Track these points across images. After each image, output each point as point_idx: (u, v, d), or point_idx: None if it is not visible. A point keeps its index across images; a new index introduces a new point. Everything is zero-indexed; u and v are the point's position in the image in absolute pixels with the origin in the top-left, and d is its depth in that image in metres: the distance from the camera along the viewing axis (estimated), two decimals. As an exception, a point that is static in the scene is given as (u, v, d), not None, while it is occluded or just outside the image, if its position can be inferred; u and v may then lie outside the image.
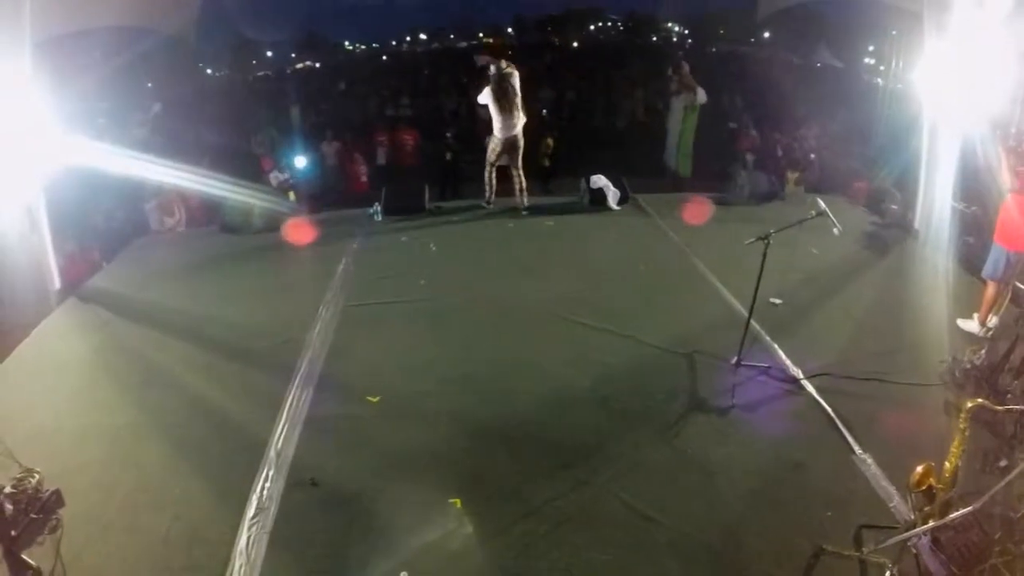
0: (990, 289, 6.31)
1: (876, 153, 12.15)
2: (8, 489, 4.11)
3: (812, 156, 12.77)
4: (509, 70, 9.90)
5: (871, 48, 20.90)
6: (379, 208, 10.55)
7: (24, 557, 3.80)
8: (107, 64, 12.47)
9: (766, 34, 28.99)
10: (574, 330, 6.60)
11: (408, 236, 9.55)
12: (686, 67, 13.28)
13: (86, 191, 9.94)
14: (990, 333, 6.06)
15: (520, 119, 10.07)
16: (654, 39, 46.37)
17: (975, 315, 6.40)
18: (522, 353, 6.21)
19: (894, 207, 9.81)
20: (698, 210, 10.07)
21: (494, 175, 10.55)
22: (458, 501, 4.35)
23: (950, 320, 6.52)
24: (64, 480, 4.42)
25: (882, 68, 15.57)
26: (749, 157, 12.75)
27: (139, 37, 14.03)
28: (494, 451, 4.87)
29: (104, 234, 10.40)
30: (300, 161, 13.01)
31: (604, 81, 22.54)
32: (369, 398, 5.50)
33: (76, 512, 4.32)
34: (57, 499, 4.32)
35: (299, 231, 9.86)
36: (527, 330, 6.67)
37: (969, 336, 6.19)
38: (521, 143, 10.22)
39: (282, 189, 11.84)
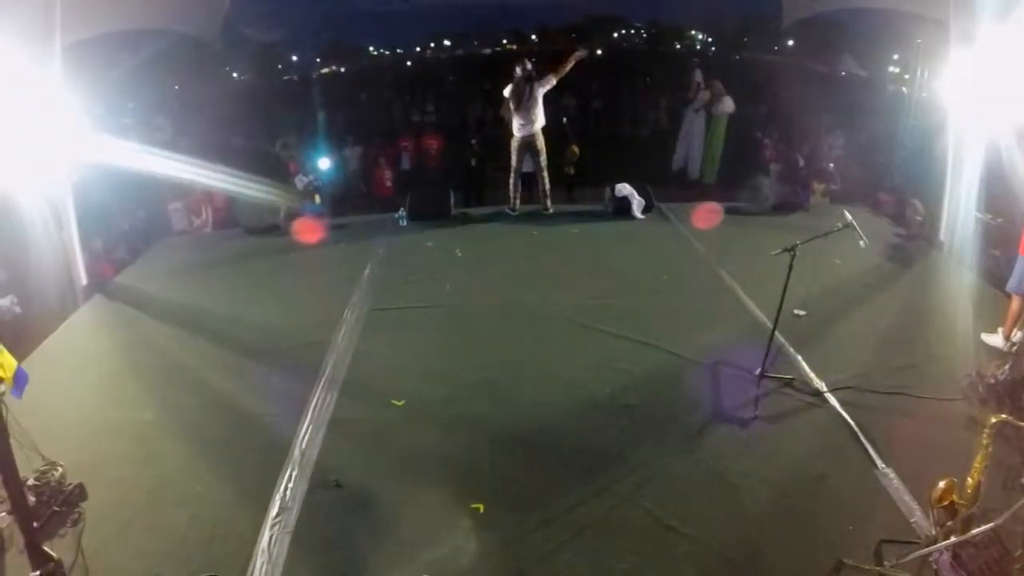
0: (1015, 303, 6.23)
1: (901, 163, 12.08)
2: (31, 481, 4.17)
3: (830, 165, 12.71)
4: (531, 72, 10.09)
5: (895, 57, 20.76)
6: (404, 213, 10.63)
7: (45, 549, 3.83)
8: (133, 66, 12.64)
9: (790, 42, 28.87)
10: (597, 338, 6.61)
11: (433, 241, 9.61)
12: (718, 83, 13.42)
13: (112, 190, 10.10)
14: (1015, 348, 6.00)
15: (538, 121, 10.20)
16: (677, 47, 46.37)
17: (1000, 329, 6.33)
18: (546, 360, 6.24)
19: (918, 218, 9.74)
20: (710, 215, 10.13)
21: (519, 182, 10.65)
22: (481, 506, 4.38)
23: (974, 334, 6.45)
24: (86, 474, 4.49)
25: (907, 77, 15.48)
26: (774, 167, 12.72)
27: (165, 40, 14.22)
28: (516, 457, 4.91)
29: (130, 233, 10.55)
30: (324, 163, 13.14)
31: (629, 89, 22.55)
32: (394, 402, 5.56)
33: (97, 506, 4.40)
34: (80, 493, 4.38)
35: (312, 230, 9.99)
36: (551, 337, 6.69)
37: (993, 351, 6.12)
38: (541, 143, 10.34)
39: (307, 192, 11.95)
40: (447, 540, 4.14)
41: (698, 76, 14.36)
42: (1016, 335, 6.09)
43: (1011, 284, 6.29)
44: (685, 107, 14.74)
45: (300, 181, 12.18)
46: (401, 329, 6.95)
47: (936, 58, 10.12)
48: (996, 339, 6.30)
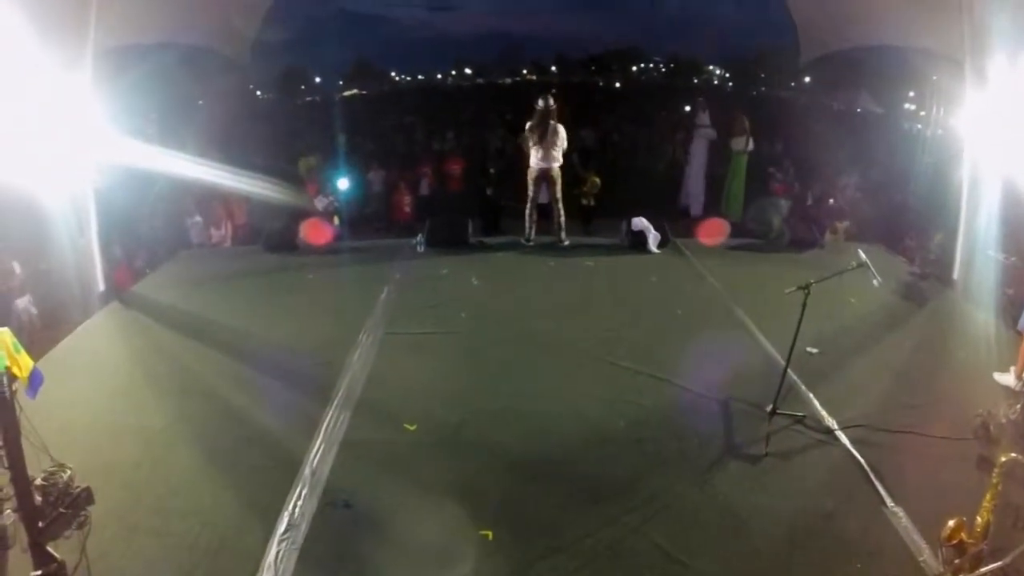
0: None
1: (915, 201, 12.10)
2: (39, 481, 4.18)
3: (831, 201, 12.75)
4: (554, 107, 10.25)
5: (911, 94, 20.86)
6: (422, 239, 10.72)
7: (49, 550, 3.84)
8: (149, 70, 12.83)
9: (807, 79, 29.07)
10: (610, 370, 6.61)
11: (450, 268, 9.67)
12: (744, 119, 13.52)
13: (135, 199, 10.27)
14: None
15: (557, 157, 10.34)
16: (695, 81, 46.71)
17: (1012, 368, 6.30)
18: (558, 390, 6.24)
19: (933, 257, 9.74)
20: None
21: (535, 212, 10.75)
22: (490, 533, 4.38)
23: (987, 373, 6.42)
24: (96, 478, 4.49)
25: (922, 114, 15.54)
26: (783, 202, 12.74)
27: (196, 55, 14.45)
28: (526, 485, 4.90)
29: (150, 243, 10.69)
30: (343, 183, 13.23)
31: (647, 123, 22.68)
32: (406, 425, 5.57)
33: (105, 510, 4.39)
34: (87, 496, 4.37)
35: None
36: (564, 367, 6.70)
37: (1006, 390, 6.09)
38: (557, 175, 10.48)
39: (327, 213, 12.06)
40: (454, 565, 4.13)
41: (705, 118, 14.47)
42: None
43: (1022, 323, 6.26)
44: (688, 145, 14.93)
45: (320, 202, 12.30)
46: (415, 354, 6.98)
47: (951, 96, 10.19)
48: (1008, 378, 6.25)
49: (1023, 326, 6.29)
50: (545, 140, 10.24)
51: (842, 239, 11.42)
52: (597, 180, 13.10)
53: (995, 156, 7.94)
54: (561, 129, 10.28)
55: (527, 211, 10.74)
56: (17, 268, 7.95)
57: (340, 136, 17.41)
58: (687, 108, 14.61)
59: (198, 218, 11.45)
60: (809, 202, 13.17)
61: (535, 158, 10.40)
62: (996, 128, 7.77)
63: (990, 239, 8.35)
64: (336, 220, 12.14)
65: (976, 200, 8.50)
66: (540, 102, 10.27)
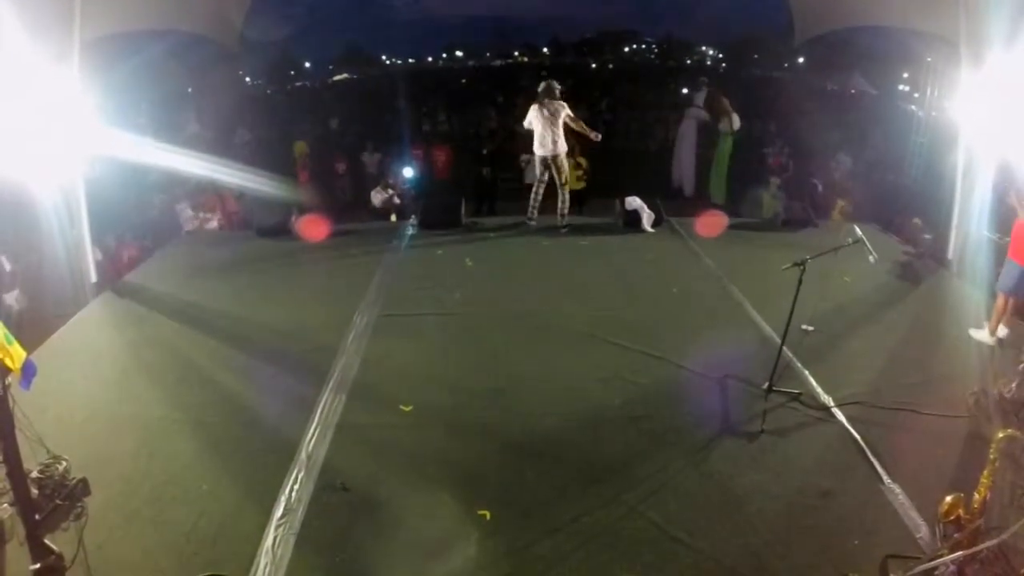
0: (1000, 300, 6.57)
1: (910, 182, 12.09)
2: (35, 474, 4.17)
3: (824, 182, 12.73)
4: (557, 87, 10.12)
5: (906, 75, 20.82)
6: (416, 221, 10.68)
7: (47, 542, 3.82)
8: (143, 61, 12.70)
9: (800, 60, 28.97)
10: (606, 349, 6.60)
11: (443, 250, 9.63)
12: (724, 99, 13.46)
13: (125, 187, 10.19)
14: (1000, 342, 6.35)
15: (560, 142, 10.15)
16: (688, 62, 46.58)
17: (986, 324, 6.61)
18: (554, 370, 6.23)
19: (927, 236, 9.74)
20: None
21: (540, 193, 10.54)
22: (487, 513, 4.38)
23: (981, 351, 6.49)
24: (93, 469, 4.46)
25: (917, 95, 15.50)
26: (774, 181, 12.71)
27: (185, 44, 14.32)
28: (524, 465, 4.91)
29: (142, 231, 10.62)
30: (408, 172, 13.00)
31: (639, 103, 22.61)
32: (402, 407, 5.56)
33: (103, 501, 4.40)
34: (83, 487, 4.35)
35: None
36: (560, 347, 6.69)
37: (1000, 370, 6.03)
38: (564, 163, 10.33)
39: (388, 211, 11.89)
40: (452, 546, 4.14)
41: (700, 100, 14.47)
42: (1001, 331, 6.52)
43: (1001, 283, 6.52)
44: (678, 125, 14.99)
45: (377, 197, 12.02)
46: (410, 335, 6.97)
47: (946, 77, 10.16)
48: (983, 334, 6.63)
49: (1003, 287, 6.44)
50: (544, 127, 10.05)
51: (836, 219, 11.39)
52: (582, 160, 13.02)
53: (990, 137, 7.92)
54: (561, 108, 10.05)
55: (533, 192, 10.57)
56: (7, 264, 7.90)
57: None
58: (685, 91, 14.53)
59: (187, 204, 11.33)
60: (803, 182, 13.11)
61: (537, 145, 10.20)
62: (991, 109, 7.74)
63: (984, 219, 8.35)
64: (393, 218, 11.82)
65: (971, 181, 8.51)
66: (542, 85, 10.13)
